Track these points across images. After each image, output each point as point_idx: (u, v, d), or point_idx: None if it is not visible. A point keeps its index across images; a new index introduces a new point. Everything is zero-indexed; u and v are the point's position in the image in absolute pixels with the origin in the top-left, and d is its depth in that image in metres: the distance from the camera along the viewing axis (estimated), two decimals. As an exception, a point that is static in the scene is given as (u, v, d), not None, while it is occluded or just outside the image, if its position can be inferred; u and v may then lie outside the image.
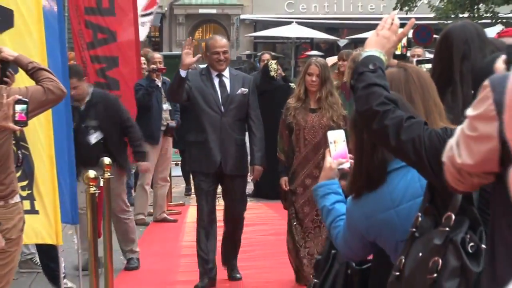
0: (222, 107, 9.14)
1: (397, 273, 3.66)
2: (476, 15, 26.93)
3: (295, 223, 9.10)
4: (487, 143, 2.99)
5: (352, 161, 4.34)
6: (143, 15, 16.80)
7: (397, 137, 3.56)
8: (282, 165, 9.26)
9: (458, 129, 3.10)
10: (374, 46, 3.78)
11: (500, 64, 3.40)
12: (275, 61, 15.74)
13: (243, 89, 9.31)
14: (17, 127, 5.99)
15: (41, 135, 7.53)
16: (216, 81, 9.24)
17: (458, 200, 3.52)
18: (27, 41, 7.48)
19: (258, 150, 9.31)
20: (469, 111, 3.03)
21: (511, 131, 1.32)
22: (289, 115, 9.16)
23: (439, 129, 3.56)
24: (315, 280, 4.66)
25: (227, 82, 9.28)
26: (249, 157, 9.44)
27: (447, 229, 3.53)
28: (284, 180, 9.18)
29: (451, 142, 3.10)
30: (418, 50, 11.93)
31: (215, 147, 9.07)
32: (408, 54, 3.99)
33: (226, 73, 9.34)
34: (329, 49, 39.57)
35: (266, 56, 16.90)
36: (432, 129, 3.56)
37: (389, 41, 3.80)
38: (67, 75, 8.20)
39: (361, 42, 28.96)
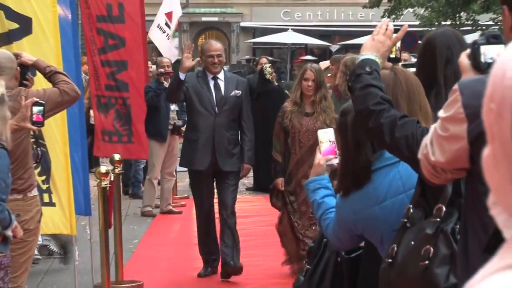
0: (216, 108, 9.03)
1: (390, 260, 3.68)
2: (458, 22, 26.95)
3: (295, 219, 8.88)
4: (457, 142, 3.03)
5: (340, 157, 4.39)
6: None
7: (391, 134, 3.58)
8: (279, 166, 9.09)
9: (432, 128, 3.12)
10: (370, 50, 3.81)
11: (463, 58, 3.41)
12: (269, 65, 15.82)
13: (236, 91, 9.15)
14: (34, 127, 6.03)
15: (57, 134, 7.55)
16: (211, 83, 9.13)
17: (448, 193, 3.54)
18: (44, 47, 7.49)
19: (249, 149, 9.18)
20: (441, 113, 3.07)
21: (486, 119, 1.36)
22: (285, 118, 8.91)
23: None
24: (308, 266, 4.69)
25: (221, 84, 9.17)
26: None
27: (438, 219, 3.56)
28: (280, 181, 9.00)
29: (426, 140, 3.14)
30: (404, 55, 11.95)
31: (207, 146, 8.97)
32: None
33: (221, 75, 9.23)
34: (322, 54, 39.57)
35: (264, 60, 17.03)
36: (424, 127, 3.57)
37: (384, 45, 3.84)
38: (80, 78, 8.23)
39: (352, 47, 28.92)
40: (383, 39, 3.85)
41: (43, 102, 5.98)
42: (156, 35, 16.66)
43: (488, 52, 3.29)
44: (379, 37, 3.84)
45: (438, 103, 4.04)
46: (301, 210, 8.81)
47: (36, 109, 5.91)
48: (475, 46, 3.34)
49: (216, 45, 9.33)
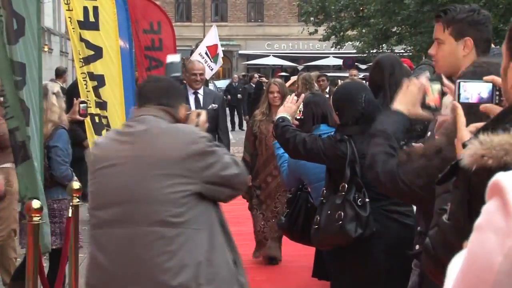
0: None
1: (316, 226, 3.88)
2: (380, 51, 26.99)
3: (258, 212, 7.12)
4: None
5: None
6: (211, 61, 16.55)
7: (304, 148, 3.92)
8: (247, 164, 7.06)
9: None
10: (283, 111, 4.24)
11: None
12: (263, 78, 15.94)
13: (213, 105, 7.36)
14: (81, 118, 6.13)
15: (119, 125, 7.54)
16: (191, 98, 7.45)
17: (348, 174, 3.75)
18: (110, 67, 7.50)
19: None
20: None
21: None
22: (255, 125, 7.16)
23: (326, 138, 3.93)
24: (287, 210, 4.72)
25: (201, 98, 7.48)
26: None
27: (343, 193, 3.74)
28: (249, 178, 6.97)
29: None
30: (354, 71, 12.10)
31: None
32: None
33: (201, 91, 7.54)
34: (292, 72, 39.56)
35: (255, 75, 17.11)
36: (323, 138, 3.92)
37: (291, 109, 4.24)
38: (134, 87, 8.23)
39: (312, 67, 28.77)
40: (290, 105, 4.25)
41: (86, 101, 6.16)
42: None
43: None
44: (289, 104, 4.26)
45: (384, 101, 4.15)
46: (266, 203, 7.08)
47: (82, 106, 6.10)
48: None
49: (199, 65, 7.84)
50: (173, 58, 8.47)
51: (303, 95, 4.48)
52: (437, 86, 2.70)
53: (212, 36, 16.78)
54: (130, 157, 2.99)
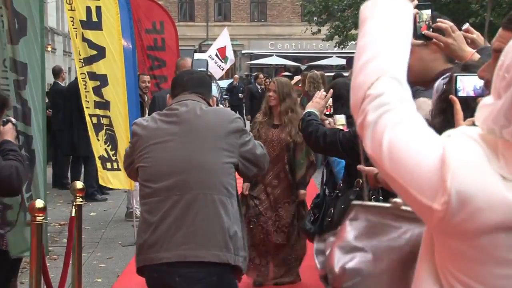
0: None
1: (329, 219, 3.90)
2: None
3: (255, 224, 6.17)
4: None
5: None
6: (221, 61, 16.62)
7: (324, 142, 3.98)
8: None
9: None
10: (311, 107, 4.30)
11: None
12: (265, 78, 15.98)
13: None
14: None
15: (122, 125, 7.58)
16: None
17: None
18: (113, 66, 7.51)
19: None
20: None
21: (496, 81, 1.41)
22: (254, 129, 6.28)
23: (346, 132, 3.94)
24: (317, 215, 4.53)
25: None
26: None
27: (358, 189, 3.77)
28: (246, 185, 6.15)
29: None
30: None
31: None
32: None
33: None
34: (295, 71, 39.50)
35: (260, 75, 17.18)
36: (343, 132, 3.96)
37: (319, 104, 4.29)
38: (137, 86, 8.24)
39: (315, 67, 28.63)
40: (319, 101, 4.30)
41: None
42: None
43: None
44: (317, 100, 4.31)
45: None
46: (266, 215, 6.15)
47: None
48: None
49: (190, 62, 7.19)
50: (200, 55, 8.71)
51: (331, 90, 4.43)
52: (427, 12, 2.60)
53: (223, 39, 16.94)
54: (178, 134, 3.36)
